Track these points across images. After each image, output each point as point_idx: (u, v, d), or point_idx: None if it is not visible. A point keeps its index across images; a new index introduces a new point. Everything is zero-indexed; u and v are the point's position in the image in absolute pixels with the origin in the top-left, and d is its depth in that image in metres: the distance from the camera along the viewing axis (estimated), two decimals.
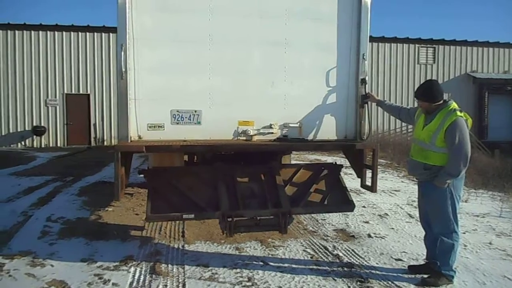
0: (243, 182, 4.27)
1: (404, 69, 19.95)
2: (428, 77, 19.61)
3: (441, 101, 3.72)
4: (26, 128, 16.97)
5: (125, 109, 4.08)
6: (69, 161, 12.40)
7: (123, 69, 3.98)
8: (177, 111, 4.22)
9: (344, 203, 4.41)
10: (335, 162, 4.73)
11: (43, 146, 16.92)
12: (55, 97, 17.12)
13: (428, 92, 3.73)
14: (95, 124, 17.54)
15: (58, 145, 17.16)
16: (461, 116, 3.58)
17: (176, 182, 4.13)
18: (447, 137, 3.57)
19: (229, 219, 4.00)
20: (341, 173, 4.66)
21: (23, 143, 16.98)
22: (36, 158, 12.91)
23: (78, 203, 6.72)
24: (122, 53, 3.96)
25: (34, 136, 16.99)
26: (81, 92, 17.34)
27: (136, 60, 4.07)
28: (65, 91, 17.18)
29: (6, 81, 16.62)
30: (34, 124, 16.97)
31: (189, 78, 4.21)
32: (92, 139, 17.54)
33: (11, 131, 16.86)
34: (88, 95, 17.42)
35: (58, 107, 17.17)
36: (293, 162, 8.04)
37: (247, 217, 4.08)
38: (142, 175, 4.24)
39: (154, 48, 4.12)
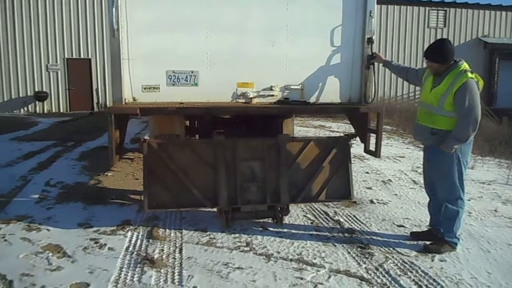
0: (245, 161, 4.01)
1: (413, 33, 19.31)
2: None
3: (452, 62, 3.49)
4: (28, 94, 16.78)
5: (118, 70, 3.89)
6: (71, 126, 12.32)
7: (115, 27, 3.76)
8: (173, 71, 4.03)
9: (344, 195, 4.23)
10: (350, 134, 4.41)
11: (45, 111, 16.81)
12: (56, 62, 16.83)
13: (439, 52, 3.49)
14: (97, 89, 17.33)
15: (61, 110, 17.03)
16: (472, 78, 3.37)
17: (173, 163, 3.89)
18: (456, 100, 3.37)
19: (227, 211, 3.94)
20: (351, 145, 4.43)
21: (25, 108, 16.86)
22: (37, 123, 12.83)
23: (78, 168, 6.66)
24: (114, 9, 3.72)
25: (36, 102, 16.85)
26: (82, 56, 17.03)
27: (129, 17, 3.83)
28: (66, 56, 16.87)
29: (6, 46, 16.26)
30: (36, 89, 16.77)
31: (185, 36, 3.98)
32: (95, 105, 17.38)
33: (13, 96, 16.67)
34: (90, 59, 17.11)
35: (59, 72, 16.91)
36: (296, 128, 7.89)
37: (245, 211, 4.00)
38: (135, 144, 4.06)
39: (148, 4, 3.87)
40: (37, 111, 16.85)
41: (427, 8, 19.35)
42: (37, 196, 5.09)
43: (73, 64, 17.01)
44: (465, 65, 3.46)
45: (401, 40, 19.30)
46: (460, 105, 3.35)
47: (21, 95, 16.79)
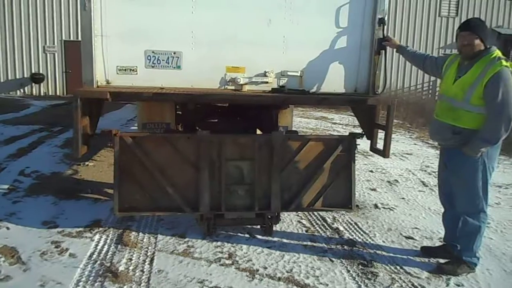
0: (232, 160, 3.48)
1: (423, 22, 18.39)
2: (450, 32, 18.19)
3: (483, 48, 2.91)
4: (25, 76, 16.28)
5: (89, 48, 3.35)
6: (64, 110, 11.78)
7: None
8: (153, 52, 3.48)
9: (344, 203, 3.66)
10: (356, 133, 3.77)
11: (42, 94, 16.31)
12: (53, 43, 16.28)
13: (478, 25, 2.94)
14: None
15: (58, 93, 16.50)
16: (507, 67, 2.79)
17: (149, 161, 3.36)
18: (487, 92, 2.80)
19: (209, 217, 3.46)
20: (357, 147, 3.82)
21: (21, 90, 16.37)
22: (30, 106, 12.35)
23: (59, 155, 6.18)
24: None
25: (33, 84, 16.35)
26: (79, 38, 16.38)
27: None
28: (63, 38, 16.31)
29: (3, 27, 15.72)
30: (33, 71, 16.26)
31: (168, 11, 3.41)
32: None
33: (9, 78, 16.19)
34: None
35: (56, 54, 16.37)
36: (296, 119, 7.32)
37: (229, 218, 3.52)
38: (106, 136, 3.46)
39: None
40: (34, 93, 16.35)
41: None
42: (6, 187, 4.62)
43: (71, 46, 16.40)
44: (497, 52, 2.89)
45: (410, 29, 18.43)
46: (492, 99, 2.77)
47: (17, 77, 16.29)
